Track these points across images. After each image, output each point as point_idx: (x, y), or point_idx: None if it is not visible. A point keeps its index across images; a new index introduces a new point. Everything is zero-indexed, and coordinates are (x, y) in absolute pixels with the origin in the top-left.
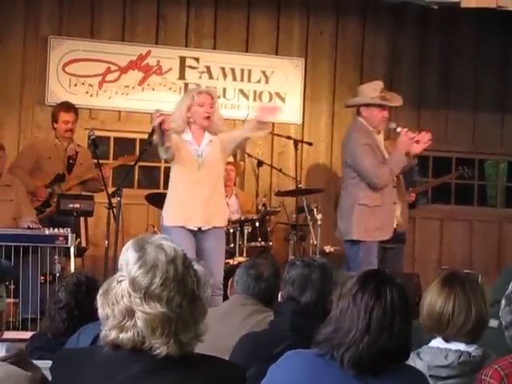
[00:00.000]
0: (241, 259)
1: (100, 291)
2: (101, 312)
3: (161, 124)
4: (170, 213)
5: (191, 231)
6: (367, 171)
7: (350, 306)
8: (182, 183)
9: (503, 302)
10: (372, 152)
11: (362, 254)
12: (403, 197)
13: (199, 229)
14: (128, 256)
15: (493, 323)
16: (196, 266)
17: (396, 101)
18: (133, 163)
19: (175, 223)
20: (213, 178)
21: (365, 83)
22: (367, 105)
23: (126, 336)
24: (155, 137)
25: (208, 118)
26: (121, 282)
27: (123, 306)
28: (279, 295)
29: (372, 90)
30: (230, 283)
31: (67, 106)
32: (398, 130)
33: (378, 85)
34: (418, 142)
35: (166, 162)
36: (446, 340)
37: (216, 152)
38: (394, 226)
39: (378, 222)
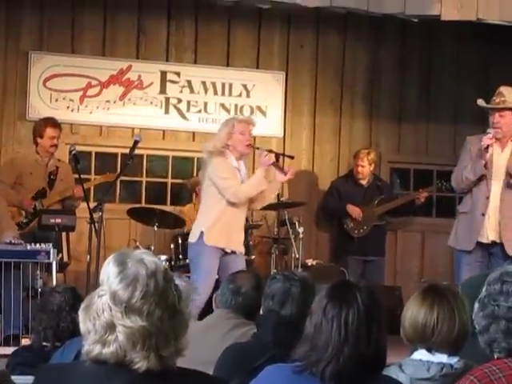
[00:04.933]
0: None
1: (82, 306)
2: (82, 327)
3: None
4: (213, 233)
5: (223, 254)
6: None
7: (322, 320)
8: (227, 206)
9: (476, 306)
10: (465, 155)
11: (455, 263)
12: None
13: (233, 252)
14: (109, 270)
15: None
16: (178, 281)
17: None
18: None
19: (217, 244)
20: (246, 206)
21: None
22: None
23: (108, 350)
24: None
25: (249, 145)
26: (101, 296)
27: (104, 320)
28: (261, 309)
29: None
30: (214, 297)
31: (54, 122)
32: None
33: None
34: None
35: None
36: (430, 350)
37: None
38: (484, 240)
39: (463, 230)
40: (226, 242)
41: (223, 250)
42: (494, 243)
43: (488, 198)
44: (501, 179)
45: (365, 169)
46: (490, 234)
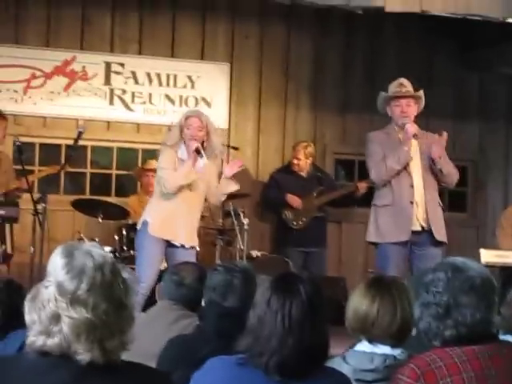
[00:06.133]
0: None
1: (28, 296)
2: (28, 318)
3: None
4: (157, 223)
5: (169, 246)
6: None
7: (266, 312)
8: (173, 197)
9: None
10: (376, 148)
11: (378, 258)
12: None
13: (182, 245)
14: (56, 262)
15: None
16: (124, 274)
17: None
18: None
19: (162, 235)
20: (198, 199)
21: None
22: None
23: (52, 342)
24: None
25: (192, 139)
26: (47, 287)
27: (49, 311)
28: (203, 301)
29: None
30: (157, 288)
31: (3, 114)
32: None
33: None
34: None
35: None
36: (371, 341)
37: (205, 176)
38: (416, 228)
39: (389, 222)
40: (172, 234)
41: (168, 241)
42: (422, 230)
43: (412, 186)
44: (419, 167)
45: (301, 162)
46: (420, 221)
